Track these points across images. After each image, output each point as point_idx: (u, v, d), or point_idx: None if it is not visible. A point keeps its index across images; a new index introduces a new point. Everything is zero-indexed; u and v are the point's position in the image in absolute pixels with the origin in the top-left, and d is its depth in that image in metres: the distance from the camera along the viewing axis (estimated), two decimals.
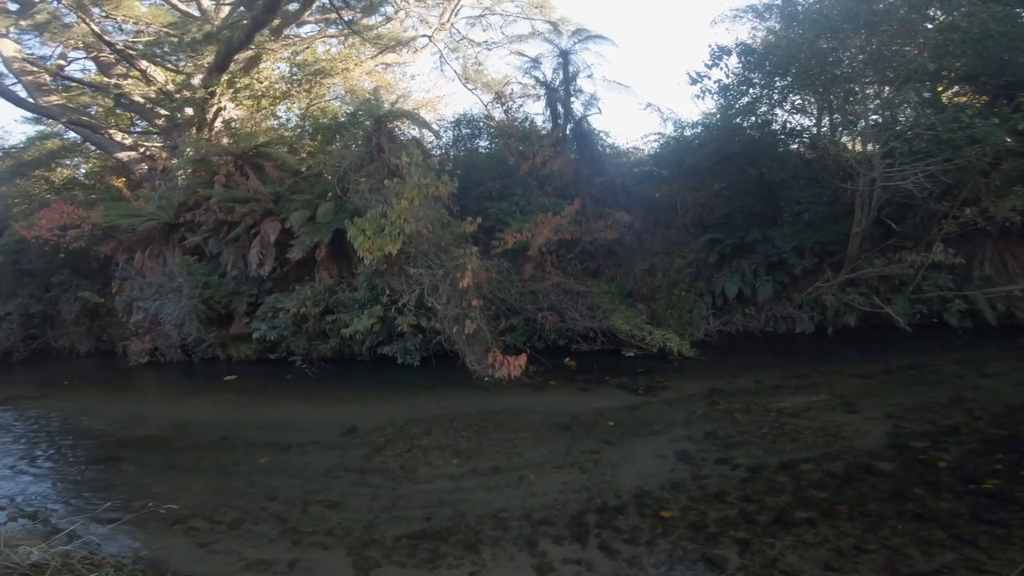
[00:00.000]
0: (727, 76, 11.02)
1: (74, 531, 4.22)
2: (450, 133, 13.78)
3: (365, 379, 10.06)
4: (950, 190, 9.89)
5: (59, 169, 18.59)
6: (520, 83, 14.86)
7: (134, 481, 6.36)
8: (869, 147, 10.14)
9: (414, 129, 12.69)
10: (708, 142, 11.41)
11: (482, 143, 13.63)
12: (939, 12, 9.65)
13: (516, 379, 8.83)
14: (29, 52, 16.02)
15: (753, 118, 11.20)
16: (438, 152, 13.17)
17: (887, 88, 9.81)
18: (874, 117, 10.19)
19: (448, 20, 19.34)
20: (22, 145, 18.16)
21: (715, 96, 11.34)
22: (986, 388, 7.26)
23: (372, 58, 18.44)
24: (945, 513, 4.49)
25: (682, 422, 6.98)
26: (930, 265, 9.90)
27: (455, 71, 20.08)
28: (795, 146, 11.95)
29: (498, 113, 13.88)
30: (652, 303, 11.21)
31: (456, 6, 19.04)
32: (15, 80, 15.67)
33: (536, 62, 13.34)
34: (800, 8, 10.45)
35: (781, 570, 3.98)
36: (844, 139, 11.45)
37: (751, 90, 10.97)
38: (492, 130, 13.32)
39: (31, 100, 15.66)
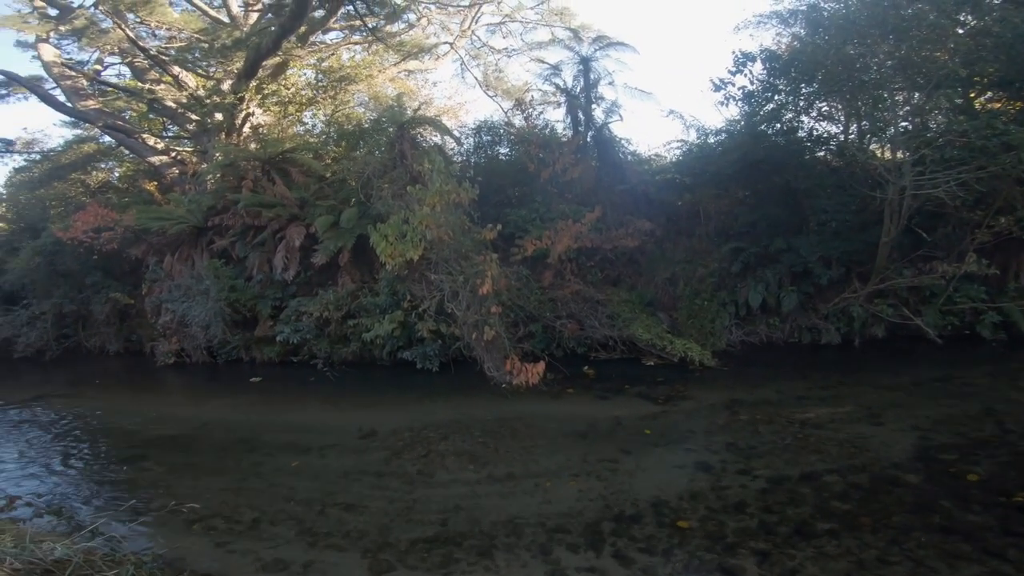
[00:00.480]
0: (751, 83, 10.92)
1: (97, 528, 4.33)
2: (471, 140, 13.87)
3: (384, 383, 10.14)
4: (983, 199, 9.63)
5: (94, 172, 19.04)
6: (540, 90, 14.92)
7: (157, 480, 6.48)
8: (899, 155, 9.94)
9: (436, 136, 12.83)
10: (732, 149, 11.28)
11: (502, 150, 13.71)
12: (970, 17, 9.46)
13: (534, 386, 8.81)
14: (68, 57, 16.52)
15: (778, 125, 11.06)
16: (459, 159, 13.27)
17: (917, 94, 9.61)
18: (904, 124, 9.99)
19: (469, 27, 19.47)
20: (60, 148, 18.65)
21: (739, 103, 11.24)
22: (1019, 401, 7.05)
23: (395, 65, 18.66)
24: (973, 526, 4.37)
25: (702, 432, 6.89)
26: (962, 276, 9.65)
27: (476, 78, 20.20)
28: (822, 154, 11.73)
29: (518, 120, 13.95)
30: (673, 312, 11.10)
31: (477, 13, 19.17)
32: (54, 84, 16.18)
33: (556, 69, 13.39)
34: (826, 14, 10.30)
35: None
36: (873, 146, 11.21)
37: (776, 97, 10.85)
38: (512, 137, 13.38)
39: (69, 104, 16.12)
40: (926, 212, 9.94)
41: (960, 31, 9.36)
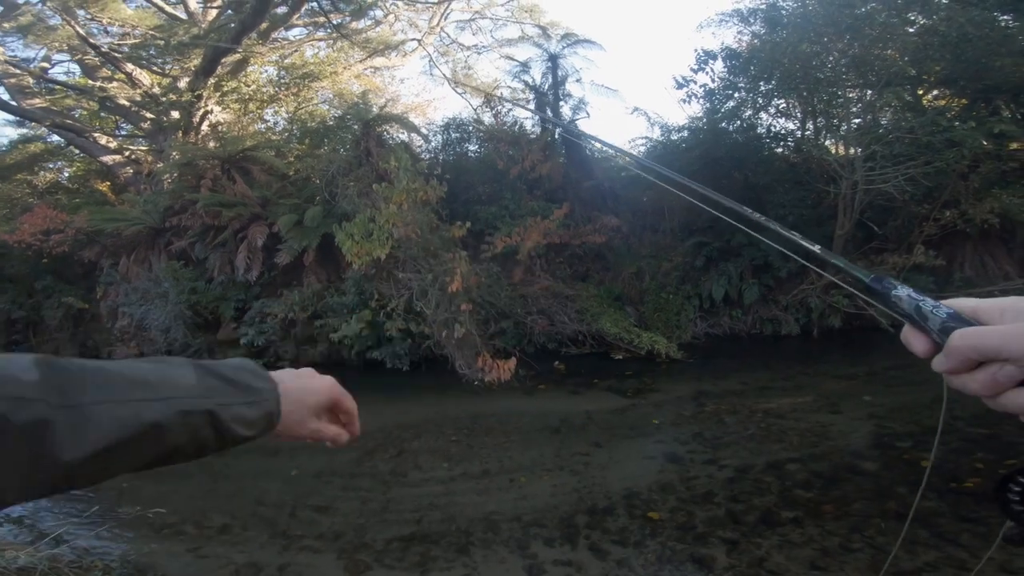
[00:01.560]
0: (712, 80, 11.17)
1: (60, 535, 4.18)
2: (439, 137, 13.79)
3: (354, 384, 9.70)
4: (930, 193, 10.07)
5: (42, 173, 18.31)
6: (509, 87, 14.95)
7: (119, 485, 6.25)
8: (851, 151, 10.30)
9: (403, 133, 12.70)
10: (694, 146, 11.53)
11: (471, 147, 13.65)
12: (919, 16, 9.83)
13: (506, 383, 8.83)
14: (12, 55, 15.79)
15: (738, 122, 11.33)
16: (427, 156, 13.16)
17: (869, 92, 9.98)
18: (856, 121, 10.36)
19: (438, 24, 19.30)
20: (4, 149, 17.82)
21: (701, 100, 11.47)
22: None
23: (361, 62, 18.36)
24: (927, 512, 4.57)
25: (670, 424, 7.04)
26: (911, 267, 10.06)
27: (444, 75, 20.04)
28: (780, 150, 12.10)
29: (487, 117, 13.92)
30: (640, 306, 11.29)
31: (446, 10, 19.02)
32: None
33: (525, 66, 13.42)
34: (784, 12, 10.61)
35: (768, 570, 4.03)
36: (827, 143, 11.61)
37: (736, 94, 11.12)
38: (482, 134, 13.36)
39: (13, 103, 15.42)
40: (877, 206, 10.33)
41: (910, 30, 9.75)
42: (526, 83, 13.51)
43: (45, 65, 16.55)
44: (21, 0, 14.77)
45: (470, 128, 13.66)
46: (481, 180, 12.06)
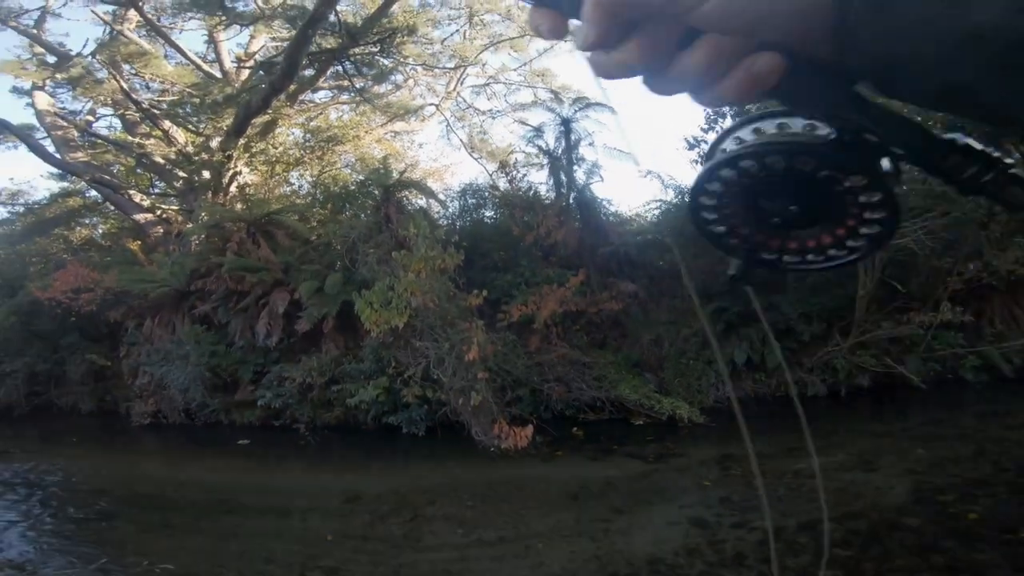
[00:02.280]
0: None
1: None
2: (456, 203, 14.11)
3: (369, 448, 9.91)
4: (951, 245, 9.91)
5: (78, 228, 18.89)
6: (524, 152, 15.20)
7: (127, 539, 6.20)
8: None
9: (421, 199, 13.05)
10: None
11: (487, 213, 13.93)
12: None
13: (523, 449, 8.66)
14: (61, 106, 16.69)
15: None
16: (445, 222, 13.43)
17: None
18: None
19: (455, 89, 20.09)
20: (45, 201, 18.49)
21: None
22: (1010, 439, 7.13)
23: (382, 126, 19.08)
24: (980, 564, 4.34)
25: (695, 488, 6.82)
26: (939, 325, 9.83)
27: (461, 140, 20.71)
28: None
29: (503, 183, 14.21)
30: (660, 372, 11.12)
31: (462, 75, 19.84)
32: (46, 134, 16.28)
33: (539, 131, 13.69)
34: None
35: None
36: None
37: None
38: (497, 200, 13.62)
39: (58, 156, 16.13)
40: (898, 262, 10.20)
41: None
42: (540, 148, 13.75)
43: (90, 118, 17.45)
44: (74, 52, 15.77)
45: (486, 194, 13.95)
46: (497, 247, 12.22)
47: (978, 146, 0.40)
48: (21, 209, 18.82)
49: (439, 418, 9.98)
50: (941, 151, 0.41)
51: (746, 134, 0.46)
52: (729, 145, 0.48)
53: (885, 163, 0.45)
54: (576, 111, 13.36)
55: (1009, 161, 0.38)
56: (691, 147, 11.64)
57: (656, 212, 13.67)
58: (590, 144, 13.39)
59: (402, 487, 7.57)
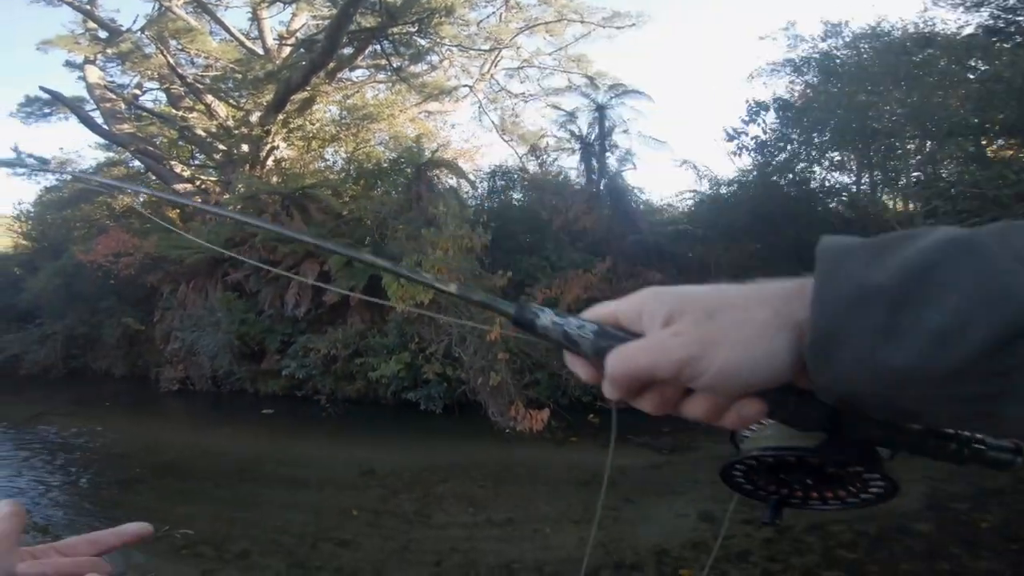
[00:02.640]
0: (764, 132, 11.02)
1: None
2: (485, 184, 14.12)
3: (387, 422, 10.06)
4: None
5: (120, 196, 19.45)
6: (555, 136, 15.13)
7: (150, 503, 6.42)
8: (911, 206, 9.88)
9: (452, 179, 13.06)
10: (744, 201, 11.26)
11: (516, 196, 13.92)
12: (981, 63, 9.40)
13: (538, 433, 8.68)
14: (110, 80, 17.28)
15: (790, 175, 11.06)
16: (473, 203, 13.43)
17: (929, 143, 9.57)
18: (916, 174, 9.94)
19: (489, 71, 20.01)
20: (91, 171, 19.01)
21: (752, 153, 11.31)
22: None
23: (416, 105, 19.15)
24: (984, 572, 4.24)
25: (708, 482, 6.72)
26: None
27: (493, 122, 20.63)
28: (833, 205, 11.67)
29: (533, 166, 14.12)
30: None
31: (497, 57, 19.71)
32: (95, 106, 16.84)
33: (572, 116, 13.58)
34: (839, 61, 10.45)
35: None
36: (885, 197, 11.18)
37: (789, 146, 10.91)
38: (526, 183, 13.55)
39: (105, 127, 16.70)
40: None
41: (971, 77, 9.33)
42: (572, 133, 13.64)
43: (136, 92, 18.03)
44: (124, 28, 16.21)
45: (515, 176, 13.90)
46: (524, 229, 12.18)
47: (948, 431, 0.50)
48: (69, 177, 19.59)
49: (457, 397, 10.07)
50: (922, 440, 0.51)
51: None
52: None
53: (881, 452, 0.56)
54: (611, 97, 13.16)
55: (977, 436, 0.49)
56: (730, 138, 11.34)
57: (689, 203, 13.42)
58: (624, 131, 13.21)
59: (416, 463, 7.67)
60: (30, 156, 18.46)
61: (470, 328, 9.57)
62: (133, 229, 14.77)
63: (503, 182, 13.88)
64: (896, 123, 9.54)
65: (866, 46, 10.19)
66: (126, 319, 13.80)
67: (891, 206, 10.85)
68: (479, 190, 14.01)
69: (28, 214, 19.01)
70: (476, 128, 23.64)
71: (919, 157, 9.94)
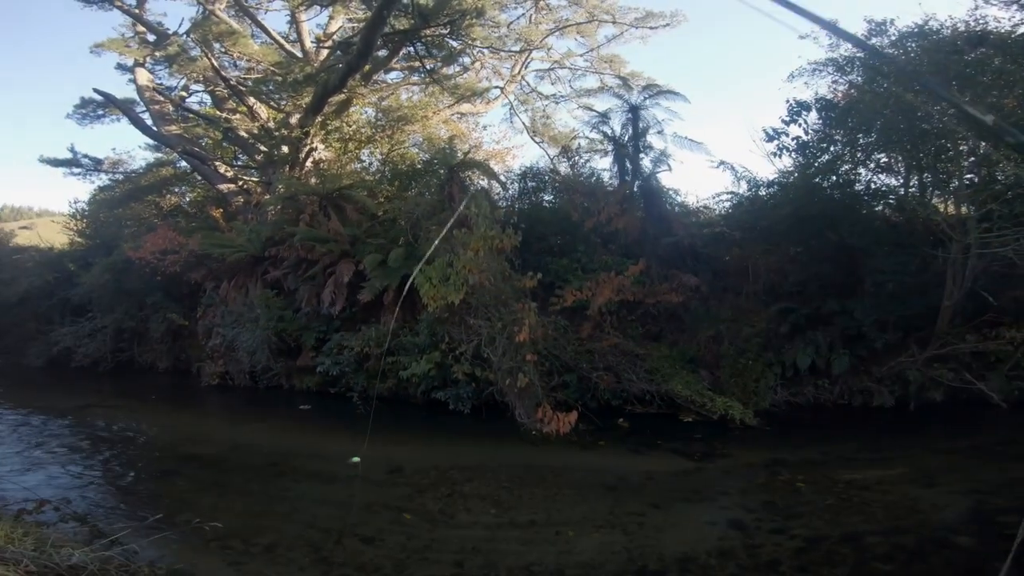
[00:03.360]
0: (806, 132, 10.66)
1: (118, 538, 4.37)
2: (516, 185, 14.11)
3: (416, 421, 10.15)
4: None
5: (168, 196, 20.19)
6: (587, 137, 14.98)
7: (184, 495, 6.61)
8: (963, 209, 9.43)
9: (483, 180, 13.10)
10: (784, 203, 10.90)
11: (547, 197, 13.86)
12: None
13: (564, 436, 8.61)
14: (159, 82, 17.95)
15: (834, 177, 10.67)
16: (504, 204, 13.43)
17: (983, 144, 9.16)
18: (969, 176, 9.48)
19: (519, 72, 20.08)
20: (141, 171, 19.91)
21: (793, 153, 10.96)
22: None
23: (449, 107, 19.35)
24: None
25: (738, 490, 6.57)
26: None
27: (524, 123, 20.63)
28: (880, 208, 11.21)
29: (564, 167, 13.98)
30: (716, 371, 10.72)
31: (527, 59, 19.79)
32: (144, 108, 17.53)
33: (605, 117, 13.36)
34: (885, 61, 10.03)
35: None
36: (935, 201, 10.67)
37: (832, 147, 10.54)
38: (557, 184, 13.45)
39: (155, 128, 17.38)
40: (993, 273, 9.34)
41: None
42: (605, 134, 13.44)
43: (183, 94, 18.71)
44: (170, 31, 16.84)
45: (546, 178, 13.83)
46: (554, 231, 12.10)
47: None
48: (120, 177, 20.38)
49: (485, 397, 10.08)
50: None
51: None
52: None
53: None
54: (645, 98, 12.93)
55: None
56: (770, 139, 11.04)
57: (727, 205, 13.08)
58: (659, 132, 12.95)
59: (443, 463, 7.69)
60: (85, 157, 19.37)
61: (499, 329, 9.59)
62: (179, 227, 15.31)
63: (534, 183, 13.87)
64: (947, 124, 9.12)
65: (913, 45, 9.74)
66: (171, 314, 14.33)
67: (942, 209, 10.37)
68: (510, 191, 14.03)
69: (83, 213, 19.93)
70: (507, 130, 23.77)
71: (972, 159, 9.46)
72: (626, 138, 12.99)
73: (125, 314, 14.81)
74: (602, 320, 10.67)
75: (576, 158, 13.64)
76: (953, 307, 9.42)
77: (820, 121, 10.58)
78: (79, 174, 19.83)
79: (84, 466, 7.61)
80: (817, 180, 10.66)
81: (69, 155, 19.26)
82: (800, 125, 10.74)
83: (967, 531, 5.13)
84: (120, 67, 18.22)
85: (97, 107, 18.28)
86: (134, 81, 17.43)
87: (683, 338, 11.37)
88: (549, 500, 6.44)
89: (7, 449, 8.06)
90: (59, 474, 7.18)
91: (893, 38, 10.23)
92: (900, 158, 10.81)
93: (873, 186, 11.13)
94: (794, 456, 7.57)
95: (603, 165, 14.11)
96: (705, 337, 11.14)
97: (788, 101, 10.95)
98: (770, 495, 6.33)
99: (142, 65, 17.25)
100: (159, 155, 19.75)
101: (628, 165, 12.90)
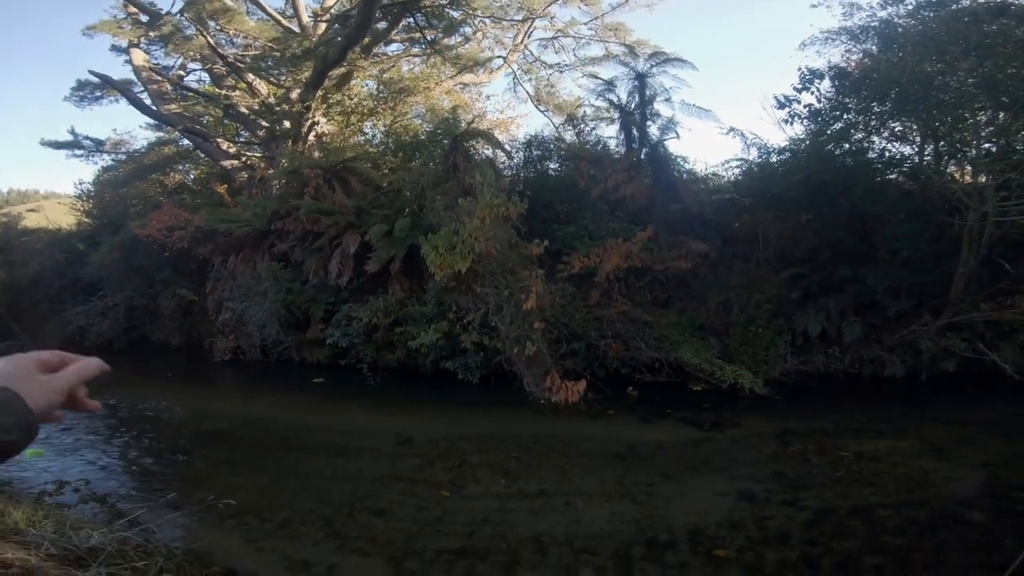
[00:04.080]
0: (818, 100, 10.47)
1: (135, 518, 4.44)
2: (521, 154, 13.94)
3: (425, 392, 10.22)
4: None
5: (172, 174, 20.15)
6: (593, 106, 14.77)
7: (199, 473, 6.68)
8: (980, 178, 9.27)
9: (488, 149, 12.94)
10: (795, 170, 10.75)
11: (552, 165, 13.68)
12: None
13: (573, 405, 8.62)
14: (155, 62, 17.77)
15: (847, 145, 10.51)
16: (509, 173, 13.30)
17: (1002, 114, 8.95)
18: (986, 145, 9.30)
19: (522, 42, 19.70)
20: (143, 150, 19.87)
21: (805, 121, 10.79)
22: None
23: (451, 77, 19.07)
24: None
25: (748, 460, 6.56)
26: None
27: (528, 92, 20.29)
28: (894, 176, 11.04)
29: (569, 135, 13.79)
30: (725, 338, 10.66)
31: (530, 28, 19.39)
32: (142, 88, 17.38)
33: (610, 85, 13.10)
34: (901, 30, 9.77)
35: None
36: (951, 169, 10.50)
37: (845, 115, 10.35)
38: (563, 152, 13.27)
39: (154, 108, 17.25)
40: (1010, 241, 9.16)
41: None
42: (611, 102, 13.19)
43: (181, 73, 18.52)
44: (164, 11, 16.59)
45: (551, 146, 13.65)
46: (560, 199, 11.97)
47: None
48: (123, 157, 20.33)
49: (494, 367, 10.11)
50: None
51: None
52: None
53: None
54: (652, 66, 12.62)
55: None
56: (781, 106, 10.82)
57: (736, 171, 12.87)
58: (666, 100, 12.68)
59: (452, 433, 7.74)
60: (86, 138, 19.28)
61: (506, 297, 9.55)
62: (184, 204, 15.28)
63: (539, 152, 13.67)
64: (965, 94, 8.91)
65: (930, 14, 9.44)
66: (180, 290, 14.40)
67: (958, 178, 10.19)
68: (515, 160, 13.84)
69: (89, 193, 19.96)
70: (511, 99, 23.41)
71: (991, 129, 9.27)
72: (632, 106, 12.71)
73: (135, 291, 14.90)
74: (610, 287, 10.60)
75: (582, 126, 13.40)
76: (968, 274, 9.26)
77: (833, 89, 10.35)
78: (81, 156, 19.84)
79: (103, 446, 7.69)
80: (829, 148, 10.48)
81: (70, 137, 19.20)
82: (812, 93, 10.55)
83: (979, 505, 5.10)
84: (115, 48, 18.02)
85: (94, 89, 18.12)
86: (130, 62, 17.20)
87: (692, 305, 11.29)
88: (558, 470, 6.47)
89: None
90: (79, 454, 7.26)
91: (910, 7, 9.96)
92: (915, 127, 10.60)
93: (887, 154, 10.95)
94: (804, 426, 7.54)
95: (609, 133, 13.85)
96: (714, 304, 11.05)
97: (800, 69, 10.73)
98: (780, 465, 6.32)
99: (136, 46, 17.02)
100: (160, 134, 19.64)
101: (635, 133, 12.64)
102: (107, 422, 8.86)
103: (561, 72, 20.26)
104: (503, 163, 13.52)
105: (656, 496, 5.67)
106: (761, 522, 5.03)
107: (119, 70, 20.47)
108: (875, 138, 10.82)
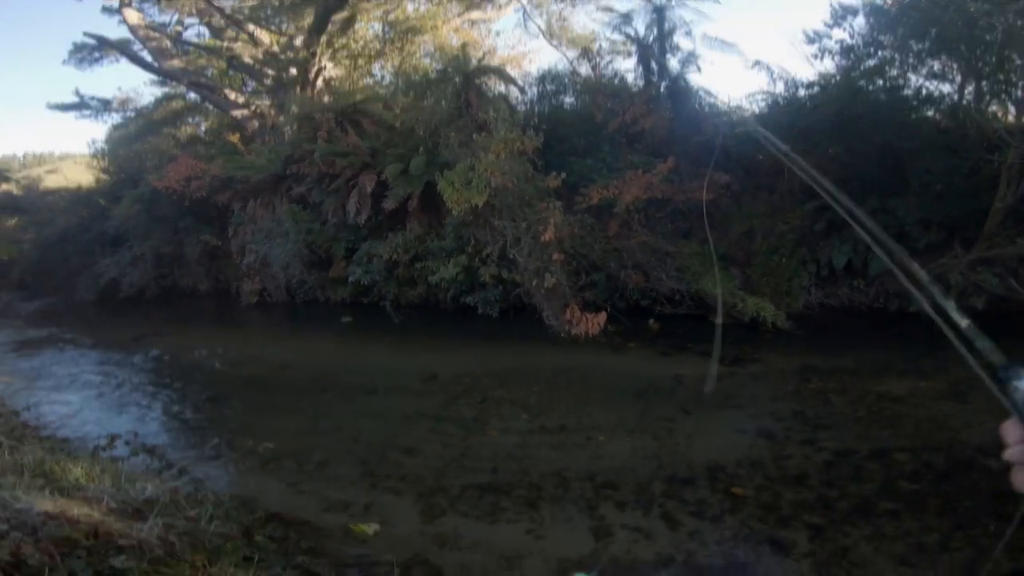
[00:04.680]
0: (851, 36, 10.00)
1: (184, 467, 4.68)
2: (535, 89, 13.62)
3: (447, 327, 10.43)
4: None
5: (183, 127, 20.04)
6: (608, 39, 14.28)
7: (239, 419, 6.88)
8: None
9: (500, 85, 12.67)
10: (825, 104, 10.33)
11: (567, 100, 13.37)
12: None
13: (593, 337, 8.70)
14: (150, 19, 17.33)
15: (880, 81, 10.05)
16: (523, 108, 12.99)
17: None
18: None
19: None
20: (151, 106, 19.63)
21: (836, 56, 10.31)
22: None
23: (459, 15, 18.39)
24: None
25: (768, 398, 6.64)
26: None
27: (539, 27, 19.33)
28: (930, 113, 10.65)
29: (584, 69, 13.34)
30: (747, 268, 10.55)
31: None
32: (141, 46, 17.07)
33: (627, 18, 12.56)
34: None
35: (851, 561, 3.74)
36: (992, 108, 10.02)
37: (880, 52, 9.86)
38: (578, 87, 12.88)
39: (156, 64, 17.07)
40: None
41: None
42: (627, 35, 12.69)
43: (179, 28, 18.01)
44: None
45: (566, 80, 13.31)
46: (577, 133, 11.73)
47: None
48: (132, 114, 20.14)
49: (513, 300, 10.24)
50: None
51: None
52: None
53: None
54: None
55: None
56: (811, 41, 10.39)
57: (762, 104, 12.35)
58: (687, 33, 12.16)
59: (475, 369, 7.91)
60: (92, 98, 19.15)
61: (524, 229, 9.54)
62: (199, 155, 15.29)
63: (553, 86, 13.35)
64: (1014, 35, 8.37)
65: None
66: (204, 236, 14.61)
67: (999, 117, 9.77)
68: (528, 95, 13.52)
69: (103, 152, 20.03)
70: (521, 35, 22.29)
71: None
72: (650, 39, 12.17)
73: (161, 240, 15.12)
74: (630, 218, 10.48)
75: (597, 60, 12.90)
76: (1004, 210, 8.97)
77: (868, 26, 9.83)
78: (89, 115, 19.69)
79: (145, 397, 7.94)
80: (862, 83, 10.04)
81: (76, 99, 19.00)
82: (845, 29, 10.08)
83: (996, 453, 5.05)
84: (106, 10, 17.35)
85: (92, 51, 17.73)
86: (124, 21, 16.76)
87: (714, 235, 11.09)
88: (579, 404, 6.61)
89: (77, 386, 8.34)
90: (122, 407, 7.54)
91: None
92: (956, 65, 10.11)
93: (924, 92, 10.51)
94: (826, 363, 7.50)
95: (626, 67, 13.37)
96: (737, 234, 10.87)
97: (832, 4, 10.30)
98: (800, 404, 6.34)
99: (128, 5, 16.54)
100: (167, 89, 19.27)
101: (654, 66, 12.15)
102: (147, 372, 9.23)
103: (574, 5, 19.02)
104: (516, 98, 13.21)
105: (676, 432, 5.78)
106: (779, 461, 5.10)
107: (114, 31, 19.88)
108: (911, 75, 10.43)
